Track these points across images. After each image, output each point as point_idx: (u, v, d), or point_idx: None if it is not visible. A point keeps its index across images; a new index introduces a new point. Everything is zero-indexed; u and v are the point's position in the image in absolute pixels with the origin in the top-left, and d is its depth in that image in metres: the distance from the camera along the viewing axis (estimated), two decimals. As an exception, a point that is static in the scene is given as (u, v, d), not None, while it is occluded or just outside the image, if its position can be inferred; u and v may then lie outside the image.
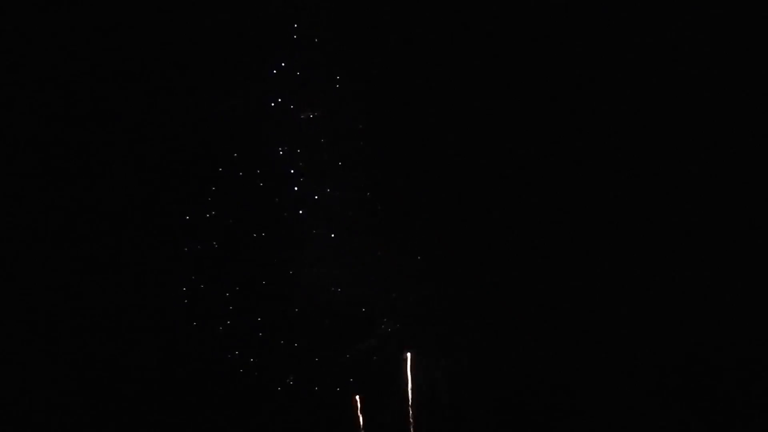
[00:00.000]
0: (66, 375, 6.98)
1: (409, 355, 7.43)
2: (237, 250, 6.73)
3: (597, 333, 7.61)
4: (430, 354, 7.65)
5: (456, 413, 7.75)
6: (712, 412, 7.50)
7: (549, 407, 7.72)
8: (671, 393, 7.66)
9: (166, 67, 6.86)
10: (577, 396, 7.67)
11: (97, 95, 6.87)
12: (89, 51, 6.80)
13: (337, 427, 7.37)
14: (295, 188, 6.73)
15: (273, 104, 6.57)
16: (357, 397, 7.24)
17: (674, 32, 7.83)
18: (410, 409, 7.51)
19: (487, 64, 7.48)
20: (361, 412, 7.58)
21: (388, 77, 7.37)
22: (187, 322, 6.68)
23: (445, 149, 7.63)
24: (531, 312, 7.70)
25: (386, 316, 7.22)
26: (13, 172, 6.85)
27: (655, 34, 7.81)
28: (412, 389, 7.64)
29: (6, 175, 6.86)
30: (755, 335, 7.50)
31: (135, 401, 6.99)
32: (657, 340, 7.57)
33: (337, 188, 6.97)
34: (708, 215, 7.66)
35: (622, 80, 7.78)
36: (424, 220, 7.63)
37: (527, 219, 7.58)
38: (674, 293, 7.60)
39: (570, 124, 7.75)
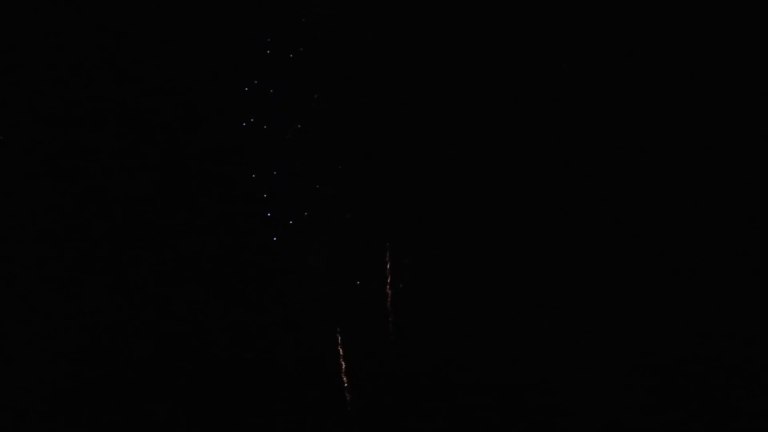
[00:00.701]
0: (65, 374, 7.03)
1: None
2: (233, 253, 6.94)
3: (593, 331, 7.77)
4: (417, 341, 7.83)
5: (445, 400, 7.92)
6: (708, 413, 7.69)
7: (542, 404, 7.89)
8: (669, 392, 7.85)
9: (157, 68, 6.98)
10: (573, 394, 7.83)
11: (88, 98, 6.92)
12: (78, 53, 6.83)
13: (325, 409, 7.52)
14: (284, 192, 6.96)
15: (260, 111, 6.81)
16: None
17: (671, 33, 7.96)
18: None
19: (471, 73, 7.63)
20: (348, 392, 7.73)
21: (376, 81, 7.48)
22: (189, 320, 6.87)
23: (429, 151, 7.77)
24: (524, 308, 7.85)
25: (377, 307, 7.41)
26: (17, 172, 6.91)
27: (653, 34, 7.93)
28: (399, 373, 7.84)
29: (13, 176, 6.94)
30: (753, 334, 7.69)
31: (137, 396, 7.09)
32: (654, 337, 7.75)
33: (329, 187, 7.16)
34: (701, 212, 7.81)
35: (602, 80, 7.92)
36: (412, 220, 7.79)
37: (519, 217, 7.73)
38: (670, 289, 7.77)
39: (557, 126, 7.90)
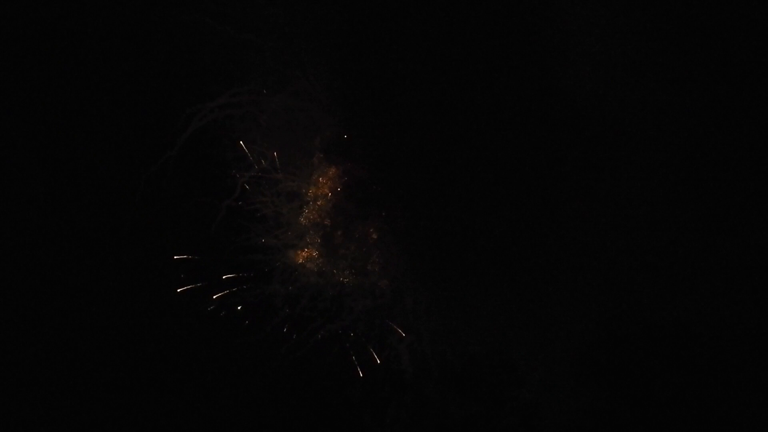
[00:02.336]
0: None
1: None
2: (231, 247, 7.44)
3: (543, 316, 8.33)
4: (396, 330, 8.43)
5: (419, 383, 8.54)
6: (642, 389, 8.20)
7: (495, 375, 8.49)
8: (603, 369, 8.42)
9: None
10: (520, 367, 8.43)
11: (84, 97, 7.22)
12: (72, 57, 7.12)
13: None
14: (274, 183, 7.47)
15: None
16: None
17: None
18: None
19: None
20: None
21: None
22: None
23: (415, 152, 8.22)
24: (482, 297, 8.43)
25: (362, 298, 7.97)
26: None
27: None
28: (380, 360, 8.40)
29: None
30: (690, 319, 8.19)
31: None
32: (592, 325, 8.27)
33: (316, 181, 7.67)
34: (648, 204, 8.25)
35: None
36: (395, 214, 8.28)
37: (482, 214, 8.20)
38: (609, 286, 8.29)
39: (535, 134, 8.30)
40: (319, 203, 20.38)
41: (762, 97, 9.00)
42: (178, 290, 19.51)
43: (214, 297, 19.96)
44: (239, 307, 19.92)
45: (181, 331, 19.58)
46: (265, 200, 20.88)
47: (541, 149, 14.97)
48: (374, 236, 19.09)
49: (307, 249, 20.41)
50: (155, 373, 19.25)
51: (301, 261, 20.42)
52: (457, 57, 17.31)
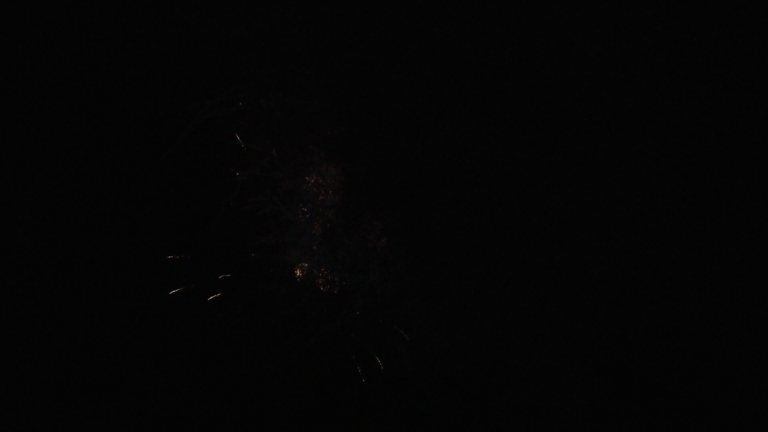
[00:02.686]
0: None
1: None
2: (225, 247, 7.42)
3: (541, 316, 8.35)
4: (397, 329, 8.45)
5: (419, 382, 8.57)
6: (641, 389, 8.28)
7: (495, 375, 8.53)
8: (603, 369, 8.46)
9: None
10: (519, 366, 8.47)
11: (91, 95, 7.25)
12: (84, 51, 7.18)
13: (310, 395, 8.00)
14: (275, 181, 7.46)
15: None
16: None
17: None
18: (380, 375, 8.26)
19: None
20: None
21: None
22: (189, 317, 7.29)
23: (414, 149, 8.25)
24: (482, 296, 8.45)
25: (362, 298, 7.97)
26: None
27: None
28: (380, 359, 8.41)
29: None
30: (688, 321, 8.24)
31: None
32: (591, 324, 8.31)
33: (315, 179, 7.67)
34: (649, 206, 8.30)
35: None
36: (395, 212, 8.30)
37: (485, 216, 8.23)
38: (608, 286, 8.33)
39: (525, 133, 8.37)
40: (318, 202, 20.41)
41: (763, 97, 9.08)
42: (170, 292, 19.46)
43: (209, 299, 19.94)
44: (238, 307, 19.93)
45: (179, 331, 19.55)
46: (264, 199, 20.88)
47: (541, 148, 15.00)
48: (374, 236, 19.18)
49: (307, 248, 20.44)
50: (153, 373, 19.22)
51: (300, 260, 20.45)
52: (457, 57, 17.34)
